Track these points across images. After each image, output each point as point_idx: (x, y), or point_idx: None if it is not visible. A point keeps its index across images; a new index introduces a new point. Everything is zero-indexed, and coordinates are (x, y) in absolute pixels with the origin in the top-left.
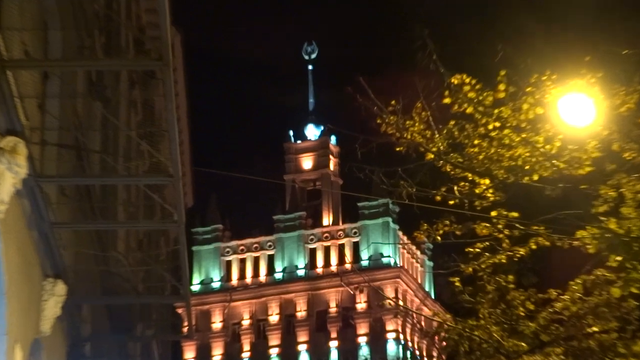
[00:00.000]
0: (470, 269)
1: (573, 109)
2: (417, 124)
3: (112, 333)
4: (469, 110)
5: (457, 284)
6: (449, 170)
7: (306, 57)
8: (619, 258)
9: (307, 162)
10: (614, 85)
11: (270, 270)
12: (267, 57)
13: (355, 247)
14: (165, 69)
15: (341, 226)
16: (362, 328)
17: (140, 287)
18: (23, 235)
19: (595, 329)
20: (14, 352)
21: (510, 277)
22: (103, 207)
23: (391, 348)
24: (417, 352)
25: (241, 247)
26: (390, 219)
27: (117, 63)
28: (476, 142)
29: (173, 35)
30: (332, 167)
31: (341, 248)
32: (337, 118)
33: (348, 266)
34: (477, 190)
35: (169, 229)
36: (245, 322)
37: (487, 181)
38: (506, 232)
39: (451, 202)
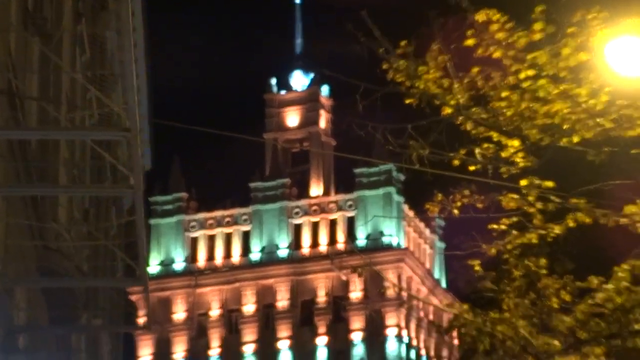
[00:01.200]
0: (494, 251)
1: (625, 55)
2: (432, 71)
3: (51, 323)
4: (497, 54)
5: (477, 267)
6: (470, 128)
7: None
8: None
9: (292, 117)
10: None
11: (246, 250)
12: None
13: (351, 224)
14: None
15: (333, 197)
16: (357, 322)
17: (85, 267)
18: None
19: None
20: None
21: (542, 261)
22: (41, 167)
23: (392, 347)
24: (424, 352)
25: (210, 221)
26: (393, 190)
27: None
28: (504, 94)
29: None
30: (323, 124)
31: (333, 224)
32: (330, 64)
33: (341, 246)
34: (503, 154)
35: (123, 196)
36: (214, 313)
37: (517, 143)
38: (538, 205)
39: (472, 168)
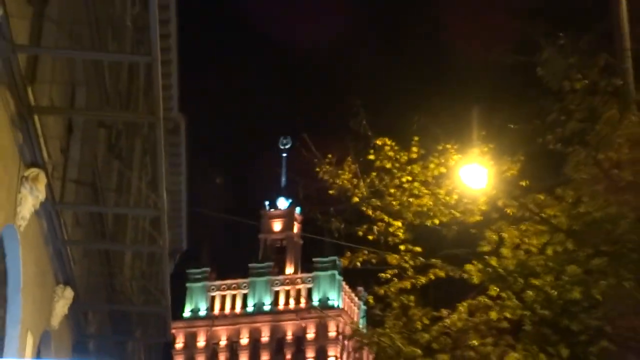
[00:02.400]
0: (382, 291)
1: (468, 172)
2: (346, 174)
3: (113, 334)
4: (388, 165)
5: (371, 301)
6: (369, 212)
7: (282, 150)
8: (496, 288)
9: (277, 225)
10: (502, 155)
11: (244, 305)
12: (254, 145)
13: (309, 292)
14: (157, 122)
15: (299, 275)
16: (310, 352)
17: (137, 300)
18: (40, 248)
19: (475, 342)
20: (26, 338)
21: (412, 298)
22: (113, 232)
23: None
24: None
25: (223, 286)
26: (336, 272)
27: (119, 115)
28: (392, 191)
29: (179, 119)
30: (295, 231)
31: (298, 292)
32: (300, 184)
33: (303, 305)
34: (390, 229)
35: (157, 252)
36: (223, 343)
37: (399, 223)
38: (411, 262)
39: (370, 238)
